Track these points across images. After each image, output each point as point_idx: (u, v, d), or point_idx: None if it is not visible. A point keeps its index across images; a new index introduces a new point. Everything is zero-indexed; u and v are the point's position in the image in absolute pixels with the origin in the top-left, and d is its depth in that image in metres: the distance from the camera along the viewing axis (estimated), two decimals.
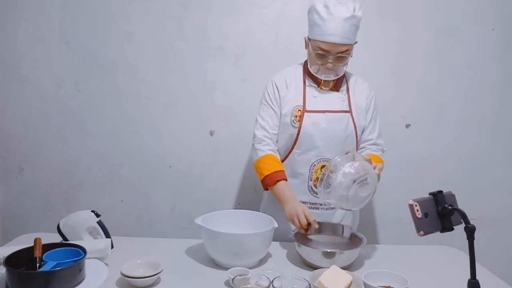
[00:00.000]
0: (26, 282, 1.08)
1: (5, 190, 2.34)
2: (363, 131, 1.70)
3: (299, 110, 1.63)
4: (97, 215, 1.47)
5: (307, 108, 1.62)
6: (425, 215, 1.12)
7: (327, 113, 1.62)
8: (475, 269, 1.05)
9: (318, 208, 1.66)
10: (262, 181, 1.64)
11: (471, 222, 1.07)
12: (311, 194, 1.66)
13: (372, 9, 2.16)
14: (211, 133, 2.26)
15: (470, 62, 2.19)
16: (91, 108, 2.26)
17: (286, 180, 1.61)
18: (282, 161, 1.69)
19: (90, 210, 1.49)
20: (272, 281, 1.18)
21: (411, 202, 1.12)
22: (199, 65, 2.21)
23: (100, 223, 1.46)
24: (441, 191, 1.15)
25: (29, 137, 2.29)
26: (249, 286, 1.17)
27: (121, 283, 1.24)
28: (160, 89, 2.24)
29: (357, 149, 1.71)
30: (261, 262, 1.44)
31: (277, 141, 1.71)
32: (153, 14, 2.18)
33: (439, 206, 1.13)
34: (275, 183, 1.59)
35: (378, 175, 1.47)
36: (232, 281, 1.18)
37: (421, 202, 1.12)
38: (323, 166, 1.63)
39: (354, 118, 1.64)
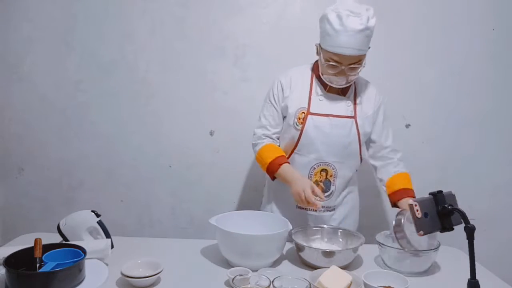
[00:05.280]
0: (26, 283, 1.08)
1: (5, 190, 2.34)
2: (369, 138, 1.68)
3: (303, 112, 1.60)
4: (97, 215, 1.47)
5: (311, 110, 1.60)
6: (425, 215, 1.12)
7: (330, 117, 1.59)
8: (475, 269, 1.05)
9: (316, 210, 1.65)
10: (267, 171, 1.64)
11: (471, 222, 1.07)
12: None
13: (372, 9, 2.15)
14: (211, 133, 2.26)
15: (470, 62, 2.19)
16: (91, 108, 2.26)
17: (289, 163, 1.61)
18: None
19: (90, 210, 1.49)
20: (272, 281, 1.18)
21: (411, 202, 1.13)
22: (199, 65, 2.21)
23: (100, 223, 1.46)
24: (441, 191, 1.15)
25: (29, 137, 2.29)
26: (249, 286, 1.17)
27: (121, 283, 1.24)
28: (160, 89, 2.24)
29: (361, 157, 1.68)
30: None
31: (278, 139, 1.71)
32: (153, 14, 2.18)
33: (439, 206, 1.13)
34: (278, 167, 1.59)
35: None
36: (232, 281, 1.18)
37: (421, 202, 1.12)
38: (322, 170, 1.62)
39: (358, 125, 1.62)
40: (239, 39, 2.19)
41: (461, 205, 1.15)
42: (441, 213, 1.13)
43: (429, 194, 1.15)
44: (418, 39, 2.18)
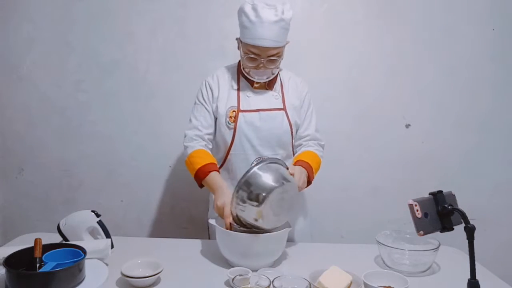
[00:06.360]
0: (26, 283, 1.08)
1: (5, 190, 2.34)
2: (298, 128, 1.68)
3: (233, 111, 1.60)
4: (97, 215, 1.47)
5: (241, 108, 1.60)
6: (425, 215, 1.12)
7: (260, 112, 1.60)
8: (475, 269, 1.05)
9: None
10: (195, 176, 1.56)
11: (471, 222, 1.07)
12: None
13: (372, 9, 2.16)
14: None
15: (470, 62, 2.19)
16: (91, 108, 2.26)
17: (218, 172, 1.56)
18: (222, 164, 1.65)
19: (90, 210, 1.49)
20: (272, 281, 1.18)
21: (411, 202, 1.13)
22: (199, 65, 2.20)
23: (100, 223, 1.46)
24: (441, 191, 1.15)
25: (29, 137, 2.29)
26: (249, 286, 1.17)
27: (121, 283, 1.24)
28: (160, 89, 2.24)
29: (292, 147, 1.68)
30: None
31: (212, 141, 1.67)
32: (153, 14, 2.18)
33: (439, 206, 1.13)
34: (207, 175, 1.52)
35: (301, 187, 1.46)
36: (232, 281, 1.18)
37: (421, 202, 1.12)
38: None
39: (289, 116, 1.62)
40: None
41: (461, 205, 1.15)
42: (441, 213, 1.13)
43: (429, 194, 1.16)
44: (418, 39, 2.18)
